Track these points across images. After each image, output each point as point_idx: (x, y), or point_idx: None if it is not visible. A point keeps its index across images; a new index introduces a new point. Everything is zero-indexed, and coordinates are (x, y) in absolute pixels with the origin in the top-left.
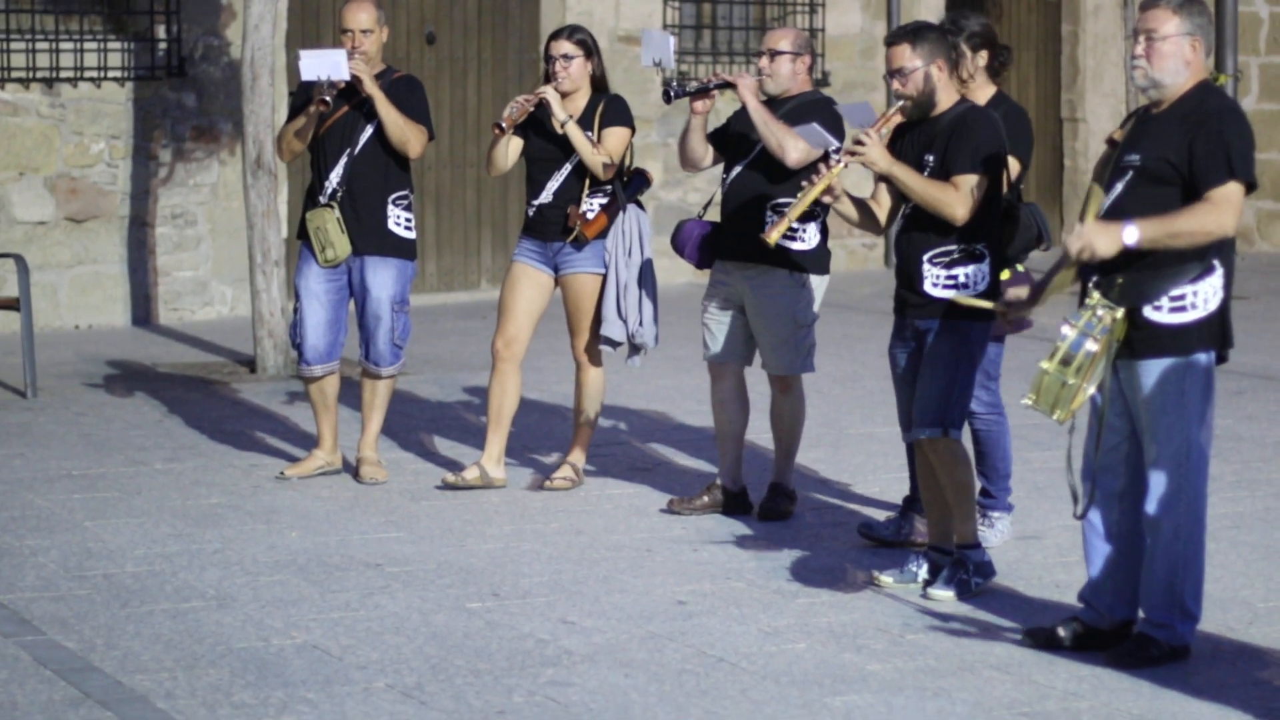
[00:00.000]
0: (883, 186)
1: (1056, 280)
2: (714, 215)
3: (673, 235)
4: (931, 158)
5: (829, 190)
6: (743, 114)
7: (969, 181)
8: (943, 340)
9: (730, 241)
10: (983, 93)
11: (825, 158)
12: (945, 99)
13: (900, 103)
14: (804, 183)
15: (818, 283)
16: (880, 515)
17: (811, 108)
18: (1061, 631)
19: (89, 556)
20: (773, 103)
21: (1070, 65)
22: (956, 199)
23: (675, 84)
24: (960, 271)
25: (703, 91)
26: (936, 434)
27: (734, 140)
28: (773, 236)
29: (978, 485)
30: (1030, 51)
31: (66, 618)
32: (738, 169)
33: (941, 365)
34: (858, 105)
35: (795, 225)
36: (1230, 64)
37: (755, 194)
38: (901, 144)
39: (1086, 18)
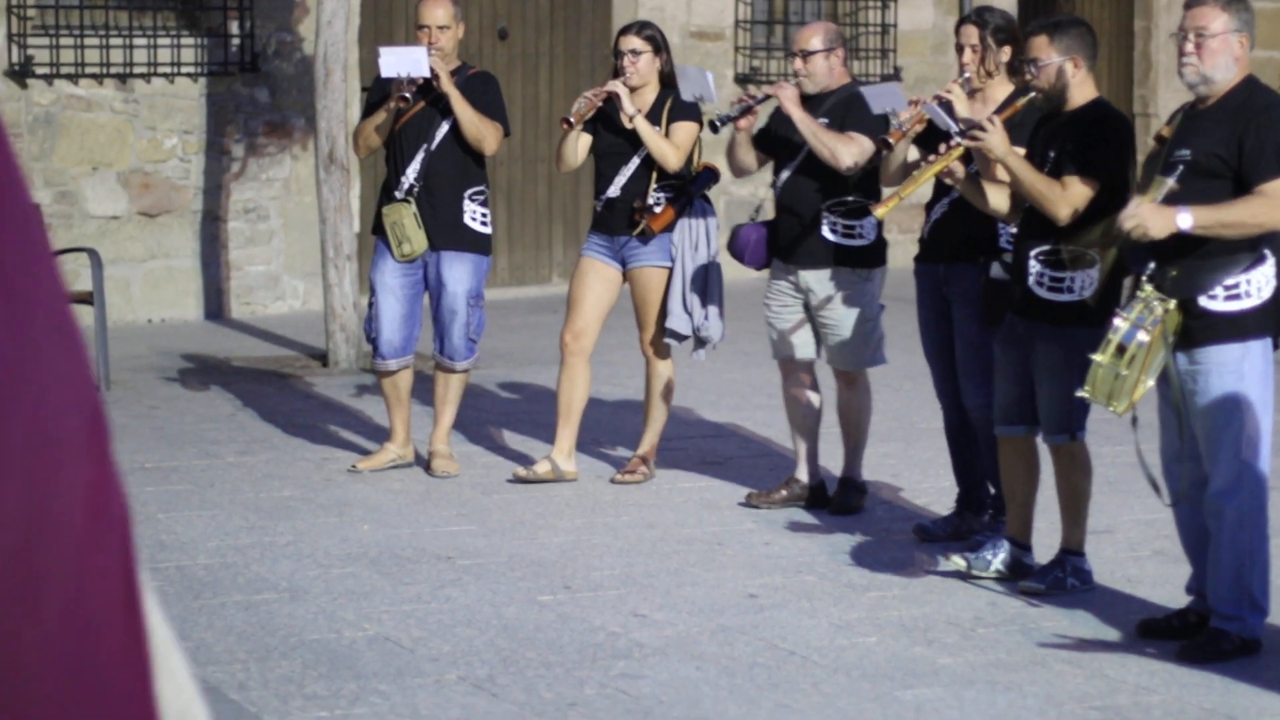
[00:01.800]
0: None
1: (1107, 258)
2: (765, 216)
3: (729, 241)
4: (1053, 153)
5: (949, 171)
6: (782, 115)
7: (1076, 182)
8: (1054, 348)
9: (790, 244)
10: (1001, 89)
11: (946, 138)
12: (1079, 96)
13: (1030, 93)
14: (923, 162)
15: (878, 275)
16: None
17: (853, 102)
18: (1176, 623)
19: (162, 549)
20: (812, 100)
21: (1143, 60)
22: (1061, 198)
23: (719, 114)
24: (1067, 274)
25: (746, 111)
26: (1065, 440)
27: (778, 141)
28: (880, 211)
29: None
30: (1102, 46)
31: None
32: (787, 172)
33: (1058, 373)
34: (884, 87)
35: (851, 222)
36: None
37: (810, 196)
38: (1034, 137)
39: (1159, 13)
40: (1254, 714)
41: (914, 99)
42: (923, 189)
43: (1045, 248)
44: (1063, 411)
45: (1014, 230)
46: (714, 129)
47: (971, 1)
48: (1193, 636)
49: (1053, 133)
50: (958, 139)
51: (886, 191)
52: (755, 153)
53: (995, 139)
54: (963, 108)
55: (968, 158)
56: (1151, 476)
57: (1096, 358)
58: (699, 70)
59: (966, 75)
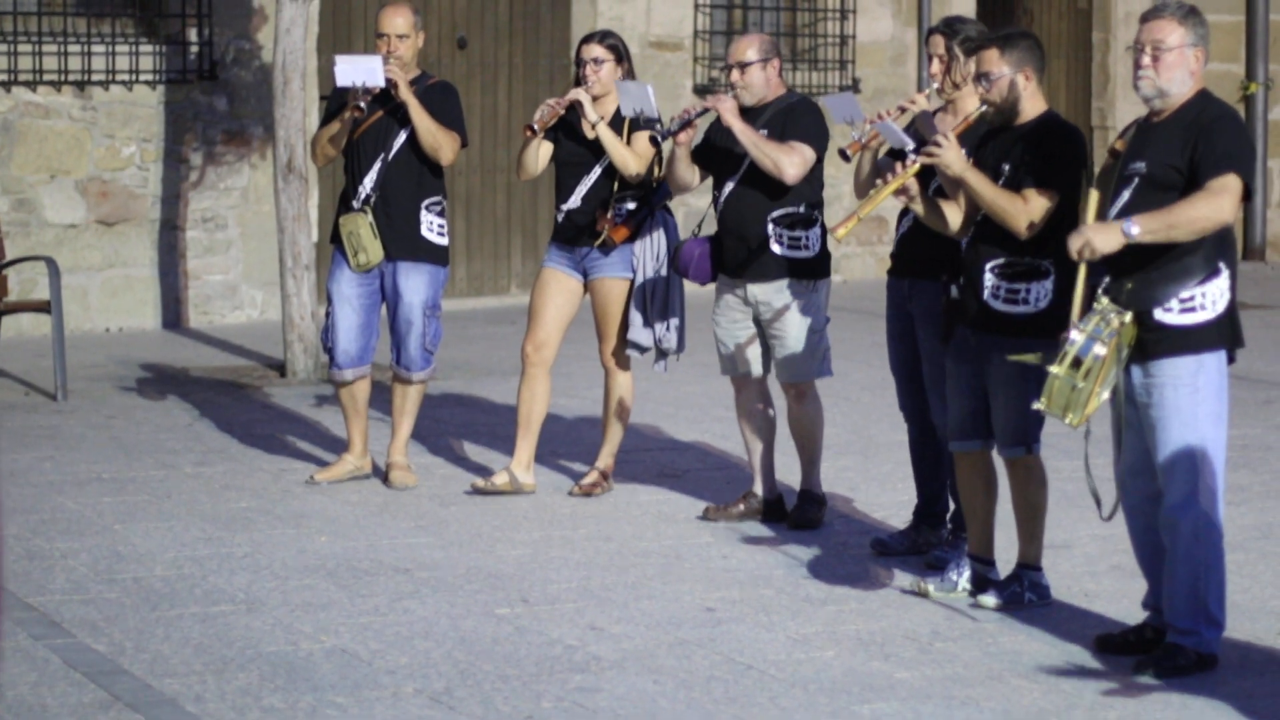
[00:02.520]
0: (963, 191)
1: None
2: (708, 230)
3: (672, 256)
4: (1008, 167)
5: (904, 190)
6: (722, 128)
7: (1038, 196)
8: (1006, 359)
9: (735, 257)
10: (971, 100)
11: (900, 157)
12: (1030, 108)
13: (983, 107)
14: (878, 180)
15: (824, 286)
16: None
17: (791, 112)
18: (1133, 638)
19: (119, 560)
20: (750, 112)
21: (1101, 73)
22: (1024, 211)
23: (660, 129)
24: (1021, 286)
25: (686, 124)
26: (1021, 453)
27: (719, 154)
28: (840, 232)
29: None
30: (1061, 59)
31: (96, 621)
32: (730, 185)
33: (1013, 386)
34: (841, 97)
35: (797, 234)
36: (1261, 72)
37: (753, 208)
38: (984, 151)
39: (1117, 26)
40: None
41: (880, 111)
42: (888, 203)
43: (1001, 261)
44: (1018, 424)
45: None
46: (654, 144)
47: (931, 13)
48: (1149, 651)
49: (1005, 146)
50: (913, 156)
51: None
52: (696, 170)
53: (951, 155)
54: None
55: (930, 175)
56: (1094, 489)
57: (1053, 370)
58: (639, 84)
59: (935, 86)
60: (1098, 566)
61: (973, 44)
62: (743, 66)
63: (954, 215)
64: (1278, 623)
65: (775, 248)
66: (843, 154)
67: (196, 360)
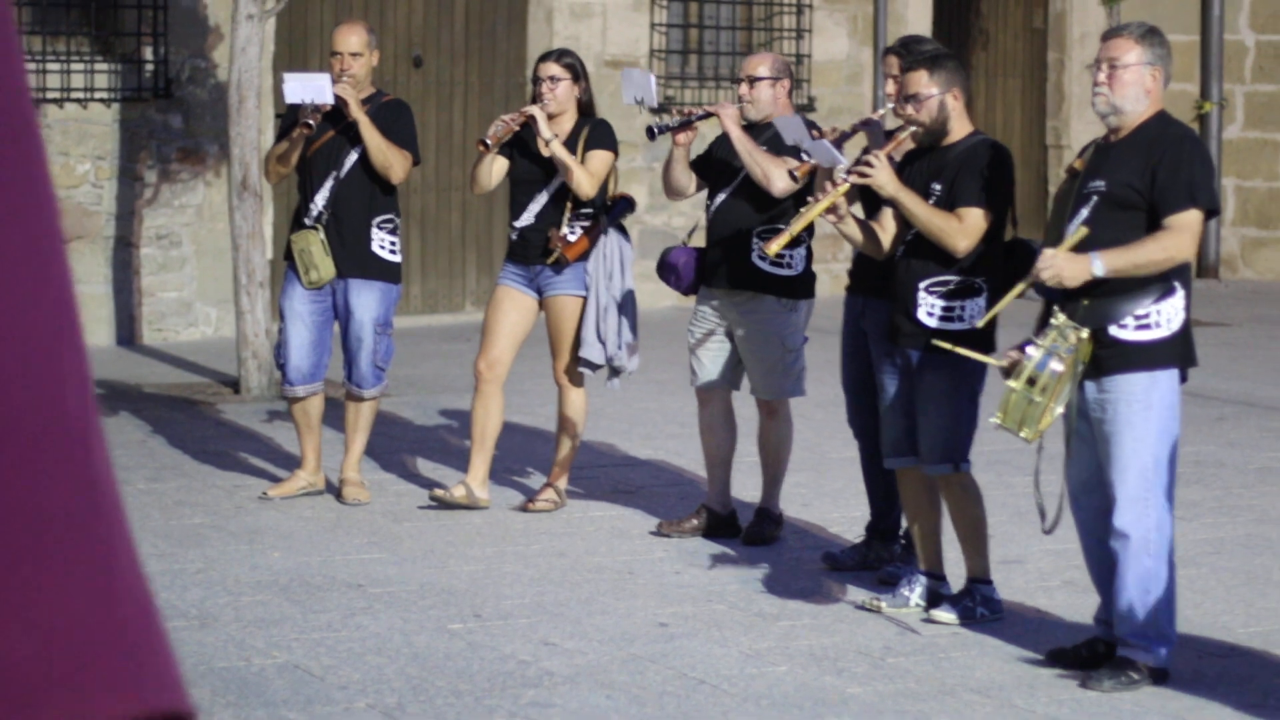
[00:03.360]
0: (888, 210)
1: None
2: (698, 241)
3: (659, 263)
4: (939, 186)
5: (833, 209)
6: (725, 140)
7: (974, 214)
8: (939, 375)
9: (717, 269)
10: None
11: (829, 176)
12: (958, 128)
13: (912, 128)
14: (809, 199)
15: (804, 307)
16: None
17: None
18: (1085, 652)
19: None
20: (754, 128)
21: (1056, 92)
22: (959, 230)
23: (658, 123)
24: (956, 304)
25: (686, 124)
26: (947, 470)
27: (717, 167)
28: (772, 248)
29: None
30: (1016, 79)
31: None
32: (722, 196)
33: (942, 401)
34: (791, 119)
35: (783, 252)
36: (1216, 92)
37: (741, 221)
38: (910, 170)
39: (1072, 45)
40: None
41: (829, 129)
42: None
43: (936, 279)
44: (945, 442)
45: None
46: (650, 135)
47: (887, 33)
48: (1100, 665)
49: (935, 166)
50: (844, 176)
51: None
52: (693, 176)
53: (883, 175)
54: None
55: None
56: (1040, 502)
57: (1011, 384)
58: (642, 72)
59: (890, 106)
60: (1050, 581)
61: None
62: (753, 81)
63: (882, 236)
64: (1229, 637)
65: (758, 263)
66: (791, 176)
67: (150, 377)
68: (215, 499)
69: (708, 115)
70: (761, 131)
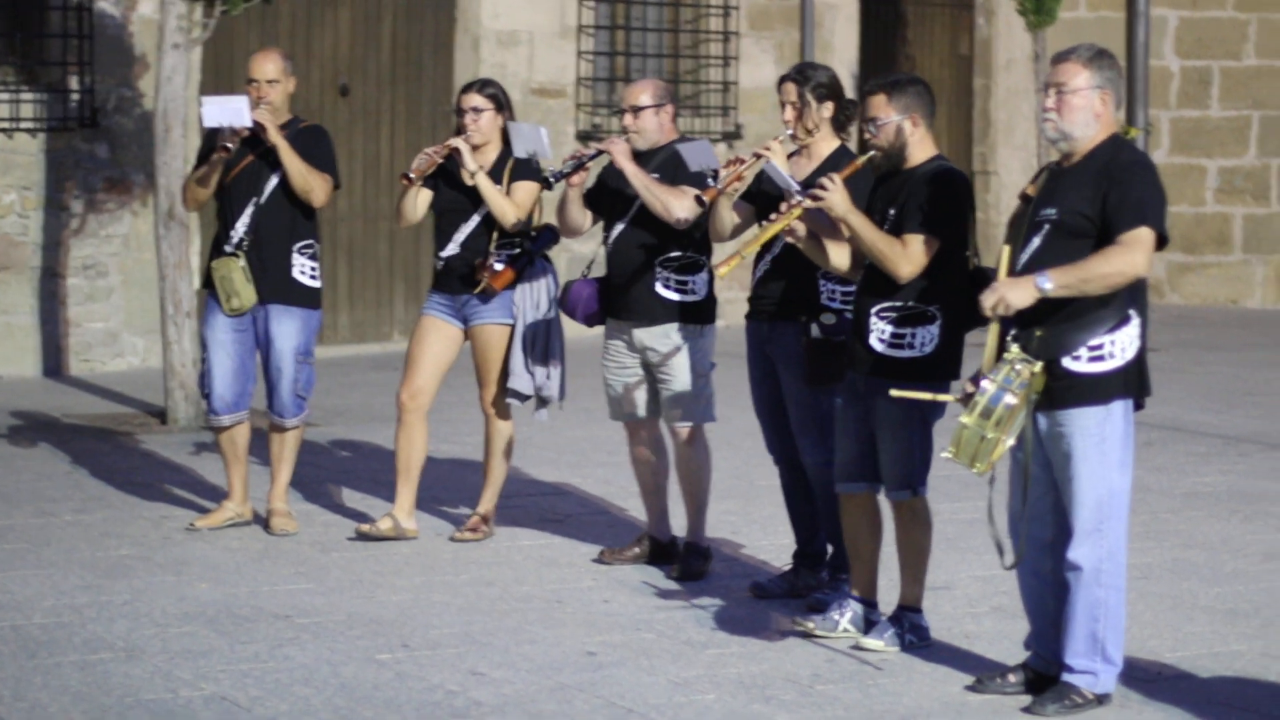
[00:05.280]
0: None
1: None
2: (598, 272)
3: (560, 297)
4: (893, 211)
5: (789, 231)
6: (614, 170)
7: (917, 240)
8: (893, 403)
9: (621, 300)
10: (826, 144)
11: (769, 202)
12: (918, 154)
13: (870, 152)
14: (763, 221)
15: (709, 332)
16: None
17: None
18: (1012, 678)
19: None
20: (642, 156)
21: (982, 118)
22: (902, 256)
23: (553, 170)
24: (907, 330)
25: (579, 167)
26: (907, 496)
27: (610, 197)
28: (723, 270)
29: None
30: (942, 105)
31: None
32: (620, 227)
33: (898, 428)
34: (696, 144)
35: (684, 278)
36: (1141, 118)
37: (641, 250)
38: (875, 196)
39: (998, 71)
40: None
41: (732, 159)
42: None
43: (886, 304)
44: (905, 468)
45: (847, 288)
46: (547, 185)
47: (813, 60)
48: (1031, 692)
49: (893, 191)
50: (798, 198)
51: (729, 249)
52: (588, 213)
53: (836, 198)
54: (780, 163)
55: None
56: (997, 538)
57: (963, 419)
58: (532, 126)
59: (789, 133)
60: (978, 608)
61: (824, 90)
62: (636, 110)
63: (838, 255)
64: (1155, 661)
65: (662, 291)
66: (699, 200)
67: (77, 408)
68: (142, 530)
69: (599, 154)
70: (650, 159)
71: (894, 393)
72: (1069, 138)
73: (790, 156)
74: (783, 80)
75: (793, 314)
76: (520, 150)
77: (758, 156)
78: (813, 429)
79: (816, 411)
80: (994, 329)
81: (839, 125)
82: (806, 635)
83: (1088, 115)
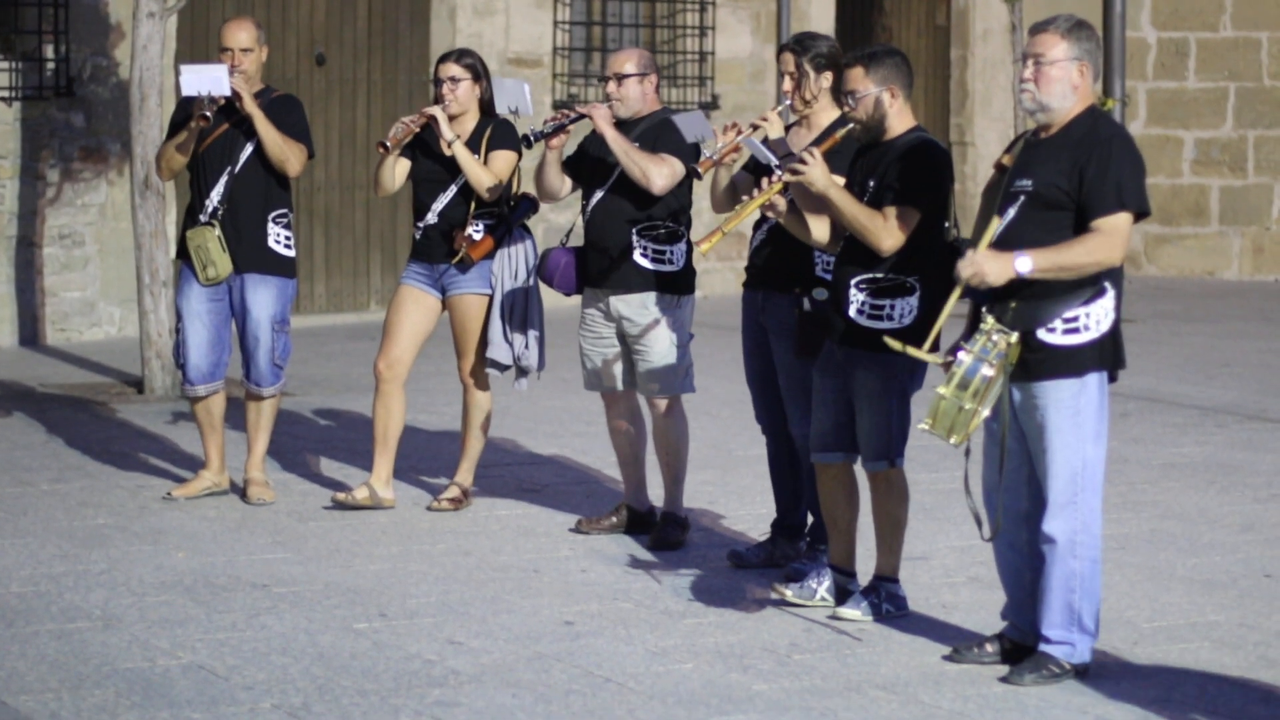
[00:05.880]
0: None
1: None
2: (576, 241)
3: (538, 265)
4: (873, 183)
5: (770, 205)
6: (596, 138)
7: (899, 213)
8: (869, 374)
9: (599, 268)
10: (825, 115)
11: (768, 172)
12: (897, 125)
13: (849, 125)
14: (744, 197)
15: (688, 303)
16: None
17: (665, 126)
18: (990, 648)
19: None
20: (624, 125)
21: (959, 89)
22: (883, 229)
23: (533, 130)
24: (886, 302)
25: (560, 129)
26: (884, 466)
27: (590, 165)
28: (704, 247)
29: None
30: (919, 76)
31: None
32: (599, 194)
33: (876, 399)
34: (691, 115)
35: (661, 247)
36: (1118, 89)
37: (619, 218)
38: (854, 168)
39: (975, 42)
40: None
41: (728, 124)
42: (749, 219)
43: (865, 276)
44: (881, 438)
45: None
46: (527, 144)
47: (790, 30)
48: (1008, 662)
49: (872, 163)
50: (778, 173)
51: (713, 225)
52: (566, 179)
53: (816, 171)
54: (776, 134)
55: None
56: (975, 509)
57: (941, 391)
58: (516, 82)
59: (787, 103)
60: (955, 578)
61: (824, 60)
62: (620, 79)
63: (819, 229)
64: (1134, 633)
65: (640, 260)
66: (694, 172)
67: (53, 377)
68: (119, 500)
69: (580, 118)
70: (632, 128)
71: (888, 340)
72: (1046, 109)
73: (789, 128)
74: (781, 50)
75: (787, 285)
76: (502, 106)
77: (754, 128)
78: (801, 399)
79: (805, 383)
80: (955, 295)
81: (839, 96)
82: (783, 603)
83: (1065, 87)
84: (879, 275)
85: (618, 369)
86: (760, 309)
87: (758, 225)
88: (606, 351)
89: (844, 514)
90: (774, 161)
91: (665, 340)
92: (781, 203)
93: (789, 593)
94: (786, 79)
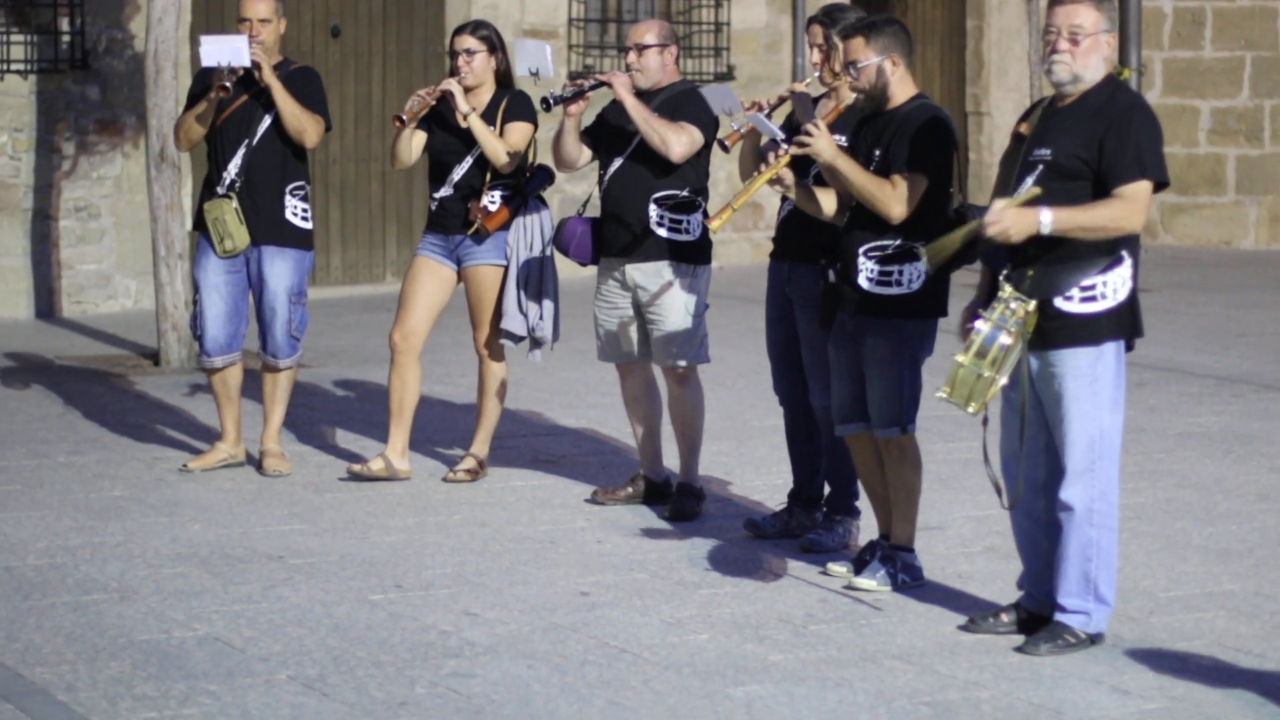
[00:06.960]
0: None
1: (945, 241)
2: (593, 211)
3: (554, 234)
4: (879, 152)
5: (778, 179)
6: (615, 107)
7: (907, 180)
8: (881, 341)
9: (615, 237)
10: (849, 88)
11: (774, 146)
12: (900, 93)
13: (853, 95)
14: (755, 171)
15: (704, 273)
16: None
17: (684, 97)
18: (1005, 618)
19: None
20: (644, 95)
21: (975, 59)
22: (893, 196)
23: (552, 94)
24: (894, 268)
25: (579, 95)
26: (895, 433)
27: (609, 134)
28: (715, 224)
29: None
30: (935, 46)
31: None
32: (617, 163)
33: (886, 366)
34: (719, 88)
35: (679, 217)
36: (1134, 58)
37: (637, 187)
38: (858, 137)
39: (991, 12)
40: (1082, 708)
41: (755, 101)
42: (765, 191)
43: (873, 244)
44: (892, 405)
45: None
46: (545, 106)
47: (805, 1)
48: (1024, 632)
49: (876, 132)
50: (784, 147)
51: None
52: (584, 148)
53: (822, 143)
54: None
55: (804, 165)
56: (994, 478)
57: (959, 359)
58: (537, 43)
59: (816, 75)
60: (971, 548)
61: (851, 32)
62: (640, 49)
63: (829, 202)
64: (1150, 602)
65: (657, 229)
66: (721, 145)
67: (69, 350)
68: (135, 471)
69: (600, 85)
70: (651, 98)
71: (939, 395)
72: (1079, 80)
73: (818, 99)
74: (810, 22)
75: (812, 257)
76: (523, 68)
77: (782, 100)
78: (822, 371)
79: (827, 355)
80: (962, 230)
81: None
82: (850, 588)
83: (1098, 59)
84: (887, 243)
85: (633, 339)
86: (786, 279)
87: (784, 198)
88: (622, 321)
89: (880, 482)
90: (780, 136)
91: (680, 307)
92: (789, 176)
93: (860, 581)
94: (815, 51)
